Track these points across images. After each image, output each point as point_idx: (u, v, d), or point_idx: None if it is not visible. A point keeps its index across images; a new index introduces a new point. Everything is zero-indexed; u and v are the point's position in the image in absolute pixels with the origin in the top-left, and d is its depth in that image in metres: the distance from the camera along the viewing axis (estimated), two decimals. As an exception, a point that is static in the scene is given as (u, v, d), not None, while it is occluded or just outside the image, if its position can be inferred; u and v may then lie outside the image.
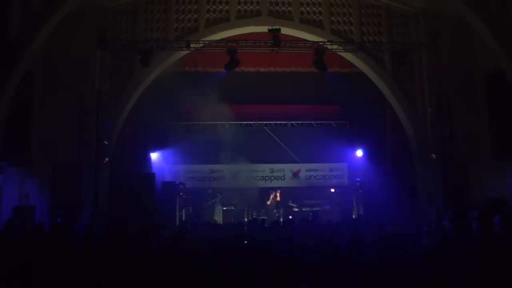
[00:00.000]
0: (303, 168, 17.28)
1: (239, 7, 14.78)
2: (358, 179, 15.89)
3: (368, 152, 16.16)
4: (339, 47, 14.04)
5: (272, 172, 17.22)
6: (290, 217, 14.92)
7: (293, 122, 17.45)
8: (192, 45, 13.67)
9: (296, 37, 14.50)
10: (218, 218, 15.57)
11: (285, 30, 13.81)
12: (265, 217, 14.63)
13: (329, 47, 13.82)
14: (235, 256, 5.68)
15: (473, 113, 13.87)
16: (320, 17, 14.87)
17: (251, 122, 17.22)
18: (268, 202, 16.04)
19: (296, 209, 16.27)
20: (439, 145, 13.76)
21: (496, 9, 12.20)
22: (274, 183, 17.06)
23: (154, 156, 16.22)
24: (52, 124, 13.02)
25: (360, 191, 15.35)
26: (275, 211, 15.79)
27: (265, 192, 16.37)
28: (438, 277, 4.80)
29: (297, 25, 14.69)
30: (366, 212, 14.69)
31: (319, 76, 14.72)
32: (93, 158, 12.92)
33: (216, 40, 14.23)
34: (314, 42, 14.09)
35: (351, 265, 5.43)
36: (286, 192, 16.73)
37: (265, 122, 17.28)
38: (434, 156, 13.75)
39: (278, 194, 16.12)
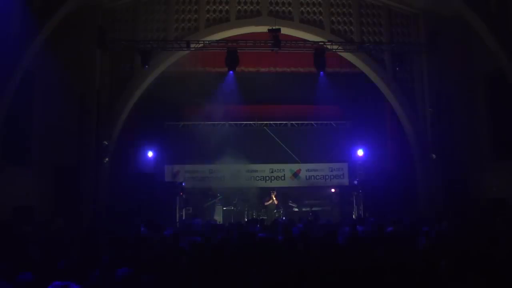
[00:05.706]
0: (303, 168, 17.27)
1: (239, 7, 14.78)
2: (355, 181, 15.89)
3: (368, 152, 16.15)
4: (339, 47, 14.05)
5: (272, 172, 17.21)
6: (284, 217, 14.93)
7: (293, 122, 17.45)
8: (192, 45, 13.70)
9: (296, 37, 14.51)
10: (218, 218, 15.57)
11: (285, 30, 13.82)
12: (265, 217, 14.64)
13: (329, 47, 13.83)
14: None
15: (473, 113, 13.83)
16: (320, 17, 14.87)
17: (251, 122, 17.22)
18: (266, 203, 16.03)
19: (296, 209, 16.28)
20: (439, 145, 13.77)
21: (496, 9, 12.18)
22: (274, 183, 17.05)
23: (153, 156, 16.22)
24: (52, 124, 13.00)
25: (360, 191, 15.34)
26: (275, 211, 15.79)
27: (265, 192, 16.37)
28: (436, 277, 4.81)
29: (297, 25, 14.69)
30: (366, 212, 14.66)
31: (319, 76, 14.72)
32: (93, 158, 12.93)
33: (216, 40, 14.25)
34: (314, 42, 14.10)
35: (351, 265, 5.43)
36: (286, 193, 16.73)
37: (265, 122, 17.28)
38: (434, 156, 13.75)
39: (274, 198, 16.04)
